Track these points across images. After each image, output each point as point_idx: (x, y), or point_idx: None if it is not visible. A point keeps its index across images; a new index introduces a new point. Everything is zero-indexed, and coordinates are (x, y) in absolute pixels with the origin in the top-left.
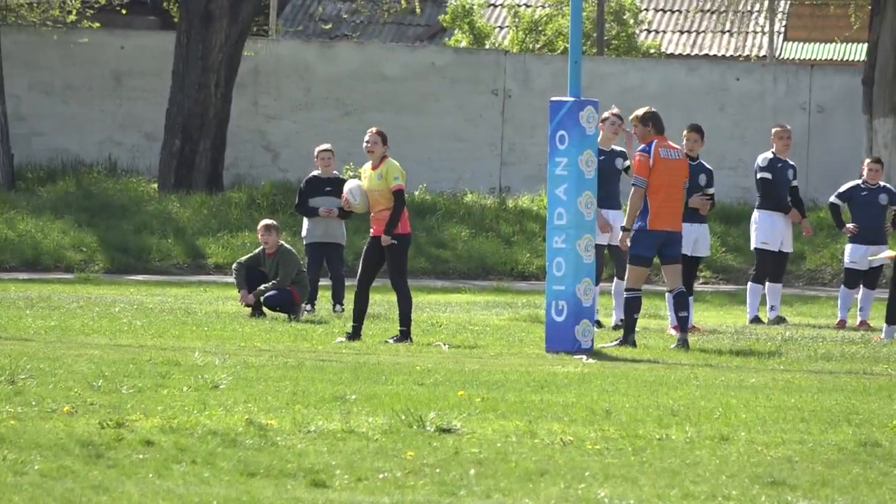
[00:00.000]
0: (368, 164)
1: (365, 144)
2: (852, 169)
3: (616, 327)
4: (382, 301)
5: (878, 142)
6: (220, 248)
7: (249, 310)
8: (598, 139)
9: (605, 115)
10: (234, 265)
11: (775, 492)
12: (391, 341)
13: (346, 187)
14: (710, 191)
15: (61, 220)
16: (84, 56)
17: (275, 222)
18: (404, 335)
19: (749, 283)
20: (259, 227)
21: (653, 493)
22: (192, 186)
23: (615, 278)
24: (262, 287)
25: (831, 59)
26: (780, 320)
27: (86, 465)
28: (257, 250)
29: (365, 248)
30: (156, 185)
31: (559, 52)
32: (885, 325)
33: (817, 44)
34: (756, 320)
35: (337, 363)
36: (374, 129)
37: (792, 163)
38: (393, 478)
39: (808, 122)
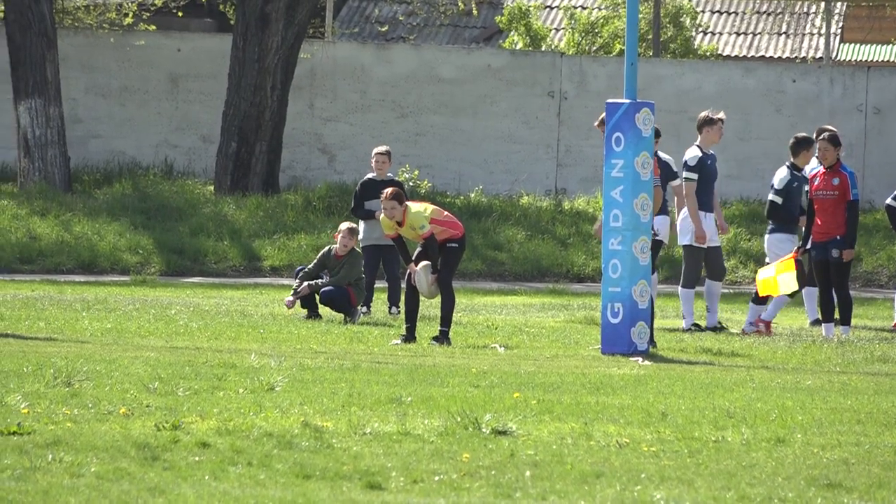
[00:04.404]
0: (382, 215)
1: (384, 211)
2: None
3: (715, 329)
4: (436, 302)
5: None
6: (276, 251)
7: (305, 311)
8: (702, 141)
9: (714, 116)
10: (300, 271)
11: (832, 494)
12: (433, 342)
13: (417, 270)
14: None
15: (117, 223)
16: (140, 58)
17: (357, 227)
18: (444, 335)
19: (805, 288)
20: (342, 228)
21: (709, 496)
22: (248, 189)
23: (707, 280)
24: (318, 282)
25: (888, 61)
26: (817, 322)
27: (142, 467)
28: (323, 252)
29: (416, 251)
30: (212, 188)
31: (615, 54)
32: None
33: (874, 45)
34: (816, 322)
35: (393, 365)
36: (388, 193)
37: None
38: (448, 480)
39: (864, 124)
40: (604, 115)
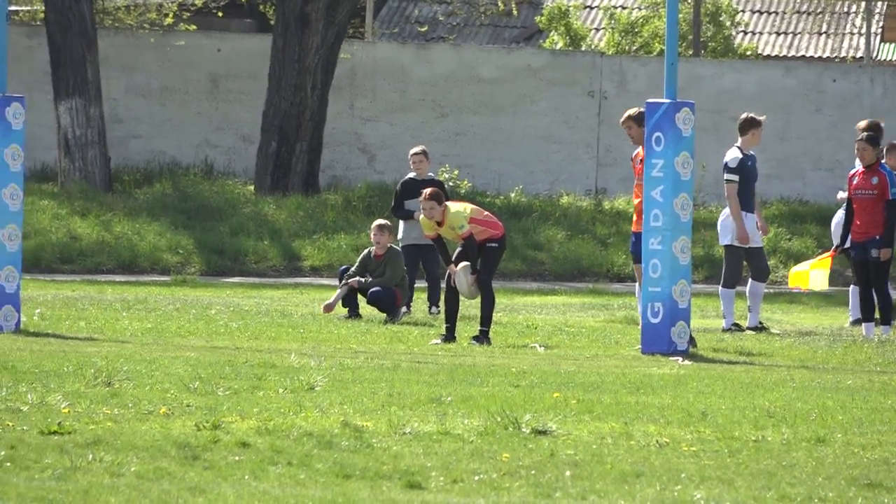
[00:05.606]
0: (421, 215)
1: (423, 211)
2: None
3: (756, 329)
4: (476, 302)
5: None
6: (316, 251)
7: (346, 311)
8: (743, 143)
9: (757, 118)
10: (344, 271)
11: (872, 493)
12: (473, 342)
13: (457, 270)
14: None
15: (157, 223)
16: (181, 59)
17: (388, 223)
18: (484, 335)
19: (851, 286)
20: (372, 226)
21: (749, 495)
22: (288, 188)
23: (750, 280)
24: (368, 279)
25: None
26: (858, 322)
27: (182, 466)
28: (363, 254)
29: (456, 251)
30: (252, 188)
31: (655, 53)
32: None
33: None
34: (858, 322)
35: (433, 365)
36: (426, 193)
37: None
38: (489, 479)
39: None
40: (628, 113)
